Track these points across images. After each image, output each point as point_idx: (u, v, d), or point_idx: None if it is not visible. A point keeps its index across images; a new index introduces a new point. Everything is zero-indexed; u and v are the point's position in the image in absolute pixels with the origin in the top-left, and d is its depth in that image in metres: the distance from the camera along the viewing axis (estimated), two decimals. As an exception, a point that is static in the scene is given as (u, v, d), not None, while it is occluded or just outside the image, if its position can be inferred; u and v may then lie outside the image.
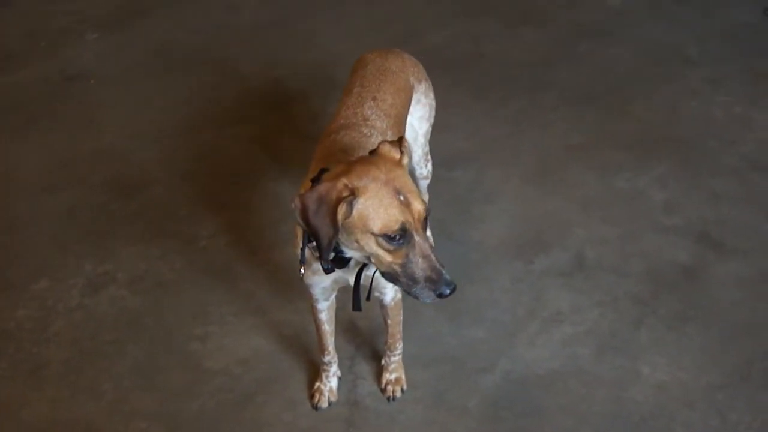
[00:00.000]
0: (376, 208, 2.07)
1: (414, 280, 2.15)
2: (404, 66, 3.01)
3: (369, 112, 2.71)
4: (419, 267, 2.13)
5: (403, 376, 2.98)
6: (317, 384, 2.95)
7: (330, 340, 2.86)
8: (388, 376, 2.96)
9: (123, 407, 2.96)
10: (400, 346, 2.91)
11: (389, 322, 2.81)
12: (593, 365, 3.06)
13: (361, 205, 2.07)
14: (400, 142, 2.25)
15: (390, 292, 2.66)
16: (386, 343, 2.91)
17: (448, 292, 2.16)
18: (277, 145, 4.24)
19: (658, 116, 4.43)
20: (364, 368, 3.08)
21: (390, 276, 2.19)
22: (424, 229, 2.16)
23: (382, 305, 2.75)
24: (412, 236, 2.10)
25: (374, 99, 2.76)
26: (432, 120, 3.19)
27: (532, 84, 4.73)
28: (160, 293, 3.40)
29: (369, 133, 2.62)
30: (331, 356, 2.90)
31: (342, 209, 2.06)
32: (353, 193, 2.06)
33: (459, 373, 3.04)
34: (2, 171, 4.14)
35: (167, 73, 4.93)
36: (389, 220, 2.07)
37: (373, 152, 2.23)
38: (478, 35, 5.23)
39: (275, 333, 3.21)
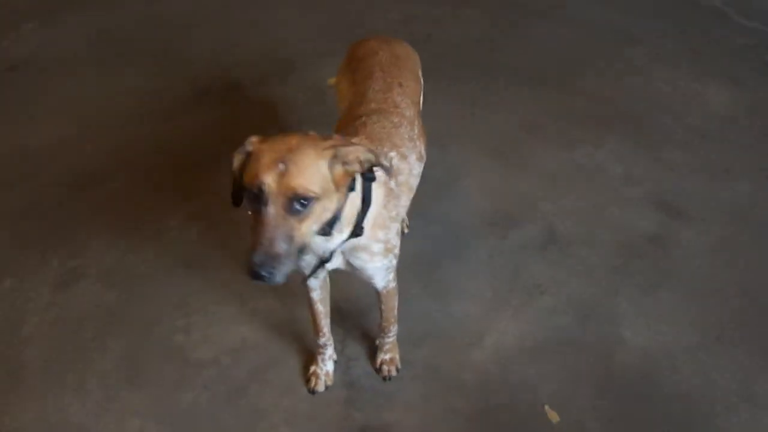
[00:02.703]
0: (253, 163, 2.04)
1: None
2: (409, 54, 3.01)
3: (399, 99, 2.69)
4: (253, 233, 2.04)
5: (398, 356, 2.98)
6: (312, 368, 2.93)
7: (325, 322, 2.84)
8: (382, 356, 2.96)
9: (112, 406, 2.86)
10: (394, 328, 2.91)
11: (383, 307, 2.80)
12: (578, 334, 3.14)
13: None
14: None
15: (380, 281, 2.61)
16: (380, 326, 2.90)
17: (246, 271, 2.00)
18: (233, 131, 4.09)
19: (608, 93, 4.55)
20: (356, 350, 3.07)
21: None
22: (287, 211, 2.01)
23: (376, 291, 2.73)
24: (266, 201, 2.01)
25: (401, 85, 2.75)
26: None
27: (482, 64, 4.79)
28: (135, 285, 3.29)
29: (399, 123, 2.60)
30: (326, 338, 2.88)
31: (237, 157, 2.10)
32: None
33: (451, 349, 3.07)
34: (-55, 169, 3.92)
35: (109, 63, 4.78)
36: (253, 175, 2.02)
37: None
38: (422, 18, 5.27)
39: (260, 321, 3.16)
